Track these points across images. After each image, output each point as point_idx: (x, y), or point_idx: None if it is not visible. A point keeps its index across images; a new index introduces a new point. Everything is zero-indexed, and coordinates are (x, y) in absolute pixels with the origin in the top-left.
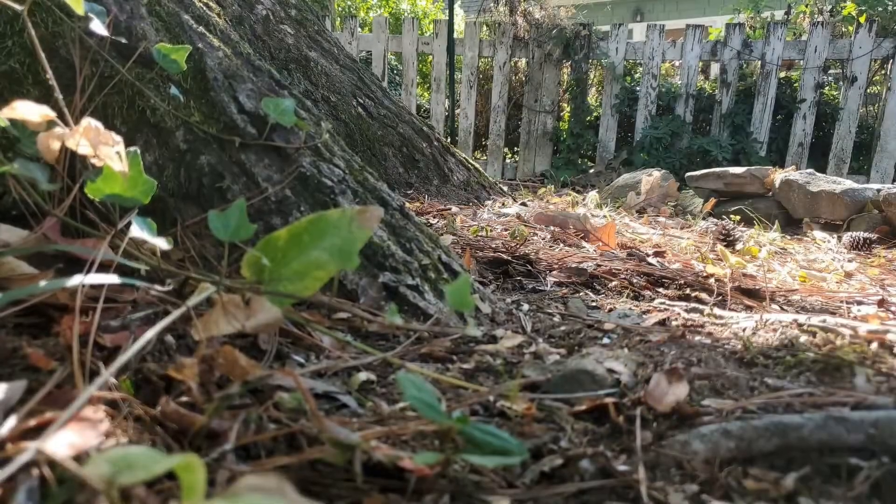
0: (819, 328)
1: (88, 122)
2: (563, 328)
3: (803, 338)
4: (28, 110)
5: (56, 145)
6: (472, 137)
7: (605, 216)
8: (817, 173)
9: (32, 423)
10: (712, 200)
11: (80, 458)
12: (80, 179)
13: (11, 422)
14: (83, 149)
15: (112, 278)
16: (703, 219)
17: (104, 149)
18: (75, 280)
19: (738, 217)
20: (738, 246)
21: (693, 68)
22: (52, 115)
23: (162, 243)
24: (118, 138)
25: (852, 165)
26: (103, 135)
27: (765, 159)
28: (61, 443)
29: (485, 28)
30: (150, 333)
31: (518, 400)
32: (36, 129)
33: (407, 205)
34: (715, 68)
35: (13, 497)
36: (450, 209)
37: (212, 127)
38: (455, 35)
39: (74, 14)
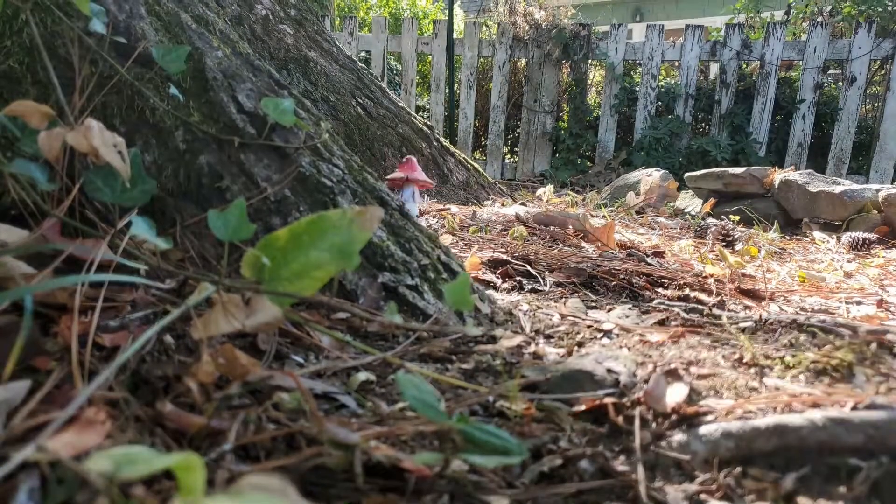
0: (819, 328)
1: (90, 121)
2: (562, 328)
3: (803, 338)
4: (29, 109)
5: (57, 144)
6: (472, 137)
7: (604, 216)
8: (816, 173)
9: (33, 423)
10: (712, 200)
11: (80, 457)
12: (79, 179)
13: (13, 422)
14: (85, 148)
15: (111, 278)
16: (703, 219)
17: (106, 148)
18: (74, 280)
19: (737, 217)
20: (738, 246)
21: (692, 68)
22: (53, 113)
23: (161, 243)
24: (120, 138)
25: (851, 166)
26: (105, 134)
27: (764, 159)
28: (61, 443)
29: (484, 28)
30: (150, 333)
31: (517, 400)
32: (37, 128)
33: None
34: (714, 68)
35: (13, 497)
36: (449, 209)
37: (211, 127)
38: (455, 35)
39: (73, 14)
